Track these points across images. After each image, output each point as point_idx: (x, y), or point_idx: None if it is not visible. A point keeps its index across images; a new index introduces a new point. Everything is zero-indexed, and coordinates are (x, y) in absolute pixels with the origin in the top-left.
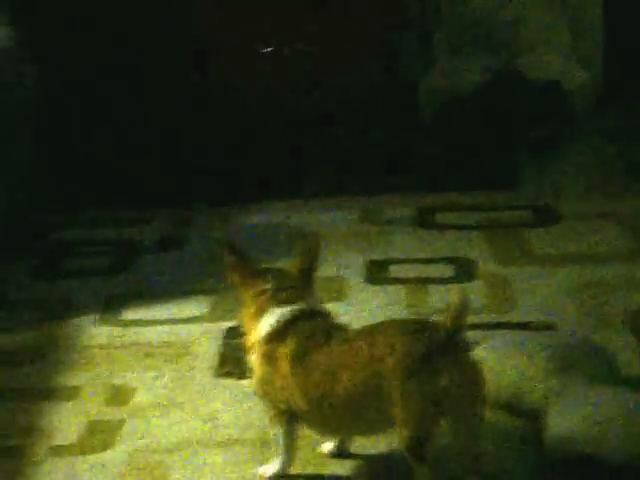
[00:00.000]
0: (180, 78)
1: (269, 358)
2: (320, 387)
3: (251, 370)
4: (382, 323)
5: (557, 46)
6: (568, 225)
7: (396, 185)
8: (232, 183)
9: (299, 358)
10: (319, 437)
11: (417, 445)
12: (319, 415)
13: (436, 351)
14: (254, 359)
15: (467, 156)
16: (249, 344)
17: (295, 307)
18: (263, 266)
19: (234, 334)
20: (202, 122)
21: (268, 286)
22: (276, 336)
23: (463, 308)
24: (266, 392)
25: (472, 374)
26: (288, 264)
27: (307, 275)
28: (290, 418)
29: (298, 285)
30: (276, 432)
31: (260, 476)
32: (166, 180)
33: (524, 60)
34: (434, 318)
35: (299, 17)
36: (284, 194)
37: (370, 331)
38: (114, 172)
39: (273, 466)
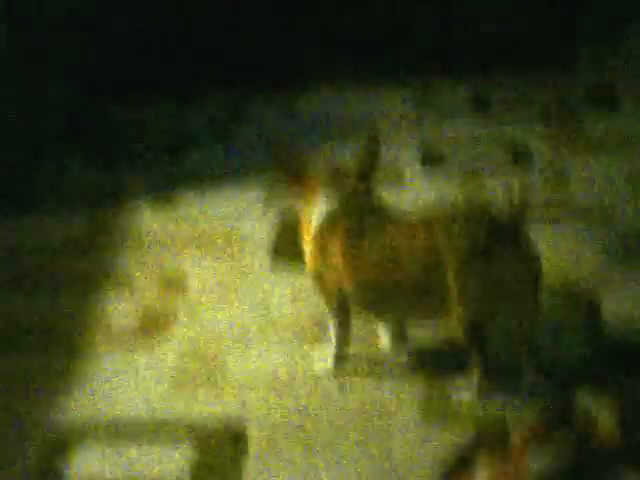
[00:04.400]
0: None
1: (322, 247)
2: (375, 272)
3: (306, 261)
4: (440, 208)
5: None
6: (628, 109)
7: (450, 69)
8: (284, 66)
9: (352, 247)
10: (375, 334)
11: (475, 330)
12: (374, 303)
13: (496, 237)
14: (307, 247)
15: (523, 37)
16: (303, 232)
17: (348, 195)
18: (320, 165)
19: (289, 225)
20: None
21: (324, 177)
22: (329, 225)
23: (524, 196)
24: (320, 282)
25: (531, 262)
26: (349, 161)
27: (367, 170)
28: (344, 307)
29: (355, 177)
30: (330, 322)
31: (315, 370)
32: (219, 63)
33: None
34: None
35: None
36: (336, 78)
37: (426, 219)
38: (163, 55)
39: (328, 359)
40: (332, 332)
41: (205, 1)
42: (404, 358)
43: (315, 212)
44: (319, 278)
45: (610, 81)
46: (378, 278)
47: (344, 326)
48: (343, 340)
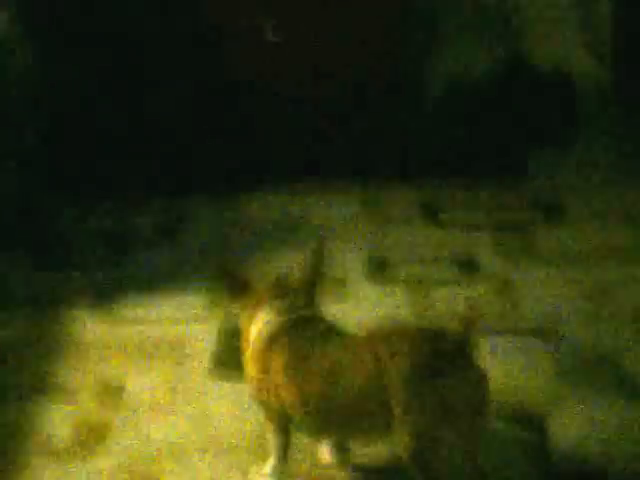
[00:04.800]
0: (181, 60)
1: (263, 364)
2: (316, 395)
3: (246, 374)
4: (384, 329)
5: (566, 36)
6: (576, 223)
7: (398, 177)
8: (228, 171)
9: (293, 365)
10: (316, 442)
11: (419, 455)
12: (316, 422)
13: (441, 361)
14: (248, 364)
15: (470, 149)
16: (244, 348)
17: (290, 311)
18: (264, 277)
19: (230, 333)
20: (199, 106)
21: (265, 292)
22: (269, 342)
23: (474, 319)
24: (260, 397)
25: (478, 385)
26: (291, 273)
27: (309, 284)
28: (285, 423)
29: (297, 292)
30: (270, 436)
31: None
32: (162, 166)
33: (532, 48)
34: (438, 321)
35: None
36: (282, 184)
37: (371, 337)
38: (108, 158)
39: (265, 470)
40: (272, 447)
41: (151, 105)
42: (347, 471)
43: (256, 325)
44: (259, 392)
45: (557, 195)
46: (320, 398)
47: (284, 441)
48: (282, 456)
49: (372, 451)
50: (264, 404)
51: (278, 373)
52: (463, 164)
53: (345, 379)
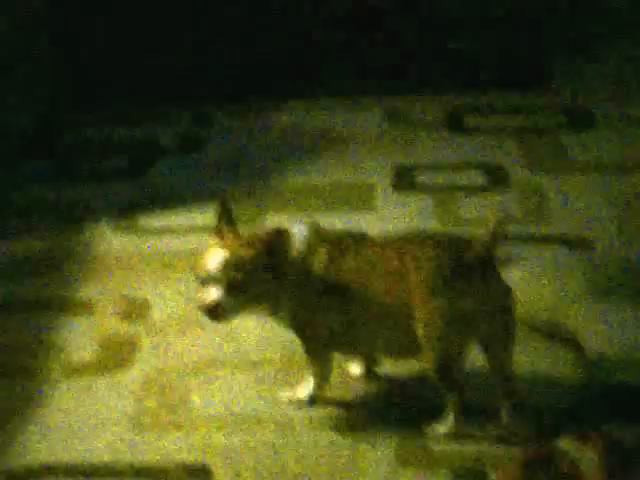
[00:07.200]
0: None
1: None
2: (350, 295)
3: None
4: (412, 235)
5: None
6: (605, 130)
7: (424, 85)
8: (253, 80)
9: (330, 268)
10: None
11: (443, 368)
12: (349, 331)
13: (466, 270)
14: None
15: (498, 56)
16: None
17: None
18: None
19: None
20: (224, 14)
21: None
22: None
23: (500, 228)
24: (304, 321)
25: (503, 296)
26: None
27: None
28: (327, 347)
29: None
30: (312, 364)
31: (288, 399)
32: (186, 75)
33: None
34: (464, 230)
35: None
36: (307, 92)
37: (400, 243)
38: (132, 66)
39: (301, 391)
40: (313, 375)
41: (170, 20)
42: (375, 384)
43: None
44: (305, 324)
45: (586, 102)
46: (352, 298)
47: (327, 366)
48: (324, 377)
49: (400, 365)
50: (309, 330)
51: (317, 281)
52: (489, 73)
53: (375, 279)
